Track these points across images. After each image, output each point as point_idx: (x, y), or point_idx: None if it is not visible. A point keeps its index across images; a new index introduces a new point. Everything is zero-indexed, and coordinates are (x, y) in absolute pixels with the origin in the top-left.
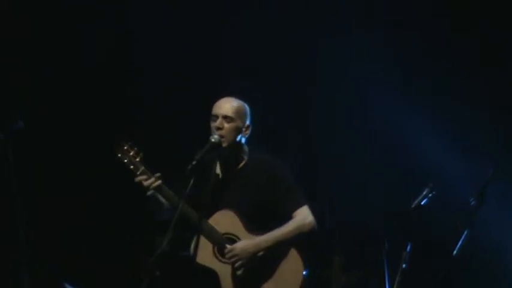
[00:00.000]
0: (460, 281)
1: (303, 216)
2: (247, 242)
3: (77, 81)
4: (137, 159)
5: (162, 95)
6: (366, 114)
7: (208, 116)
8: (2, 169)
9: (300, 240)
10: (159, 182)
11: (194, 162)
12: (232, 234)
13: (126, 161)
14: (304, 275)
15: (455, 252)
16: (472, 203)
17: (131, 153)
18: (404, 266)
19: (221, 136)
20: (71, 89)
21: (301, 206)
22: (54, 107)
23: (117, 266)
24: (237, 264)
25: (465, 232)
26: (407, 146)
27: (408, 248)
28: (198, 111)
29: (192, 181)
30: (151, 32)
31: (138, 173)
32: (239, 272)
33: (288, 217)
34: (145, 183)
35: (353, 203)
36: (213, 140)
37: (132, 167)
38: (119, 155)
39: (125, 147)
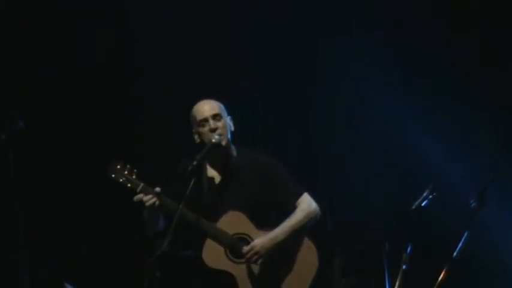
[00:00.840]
0: (460, 281)
1: (307, 203)
2: (264, 238)
3: (77, 81)
4: (133, 177)
5: (162, 95)
6: (365, 114)
7: None
8: (2, 169)
9: (310, 226)
10: (159, 196)
11: (195, 163)
12: (244, 234)
13: (121, 180)
14: (319, 263)
15: (455, 254)
16: (472, 204)
17: (125, 172)
18: (404, 267)
19: (220, 135)
20: (71, 89)
21: (301, 193)
22: (54, 107)
23: (117, 266)
24: (259, 262)
25: (465, 234)
26: (407, 146)
27: (408, 249)
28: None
29: (192, 182)
30: (151, 32)
31: (138, 190)
32: (256, 270)
33: (291, 208)
34: (146, 200)
35: (353, 203)
36: (213, 140)
37: (129, 185)
38: (113, 176)
39: (118, 167)
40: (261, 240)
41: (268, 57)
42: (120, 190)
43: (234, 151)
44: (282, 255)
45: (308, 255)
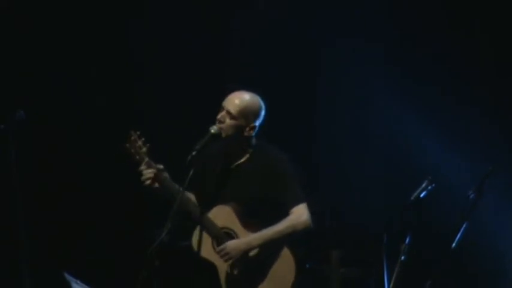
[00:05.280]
0: (460, 281)
1: (298, 214)
2: (239, 241)
3: (77, 80)
4: (143, 150)
5: (162, 95)
6: (366, 115)
7: (207, 115)
8: (3, 168)
9: (294, 238)
10: (159, 173)
11: (194, 153)
12: (230, 229)
13: (132, 151)
14: (295, 275)
15: (454, 244)
16: (471, 196)
17: (138, 144)
18: (403, 258)
19: (220, 128)
20: (71, 89)
21: (298, 203)
22: (54, 107)
23: (117, 265)
24: (229, 262)
25: (463, 225)
26: (408, 146)
27: (407, 240)
28: (198, 111)
29: (191, 172)
30: (152, 31)
31: (143, 163)
32: (236, 268)
33: (285, 213)
34: (145, 172)
35: (353, 203)
36: (212, 131)
37: (137, 157)
38: (127, 145)
39: (133, 138)
40: (234, 242)
41: (269, 57)
42: (121, 189)
43: (250, 147)
44: (259, 260)
45: (285, 265)
